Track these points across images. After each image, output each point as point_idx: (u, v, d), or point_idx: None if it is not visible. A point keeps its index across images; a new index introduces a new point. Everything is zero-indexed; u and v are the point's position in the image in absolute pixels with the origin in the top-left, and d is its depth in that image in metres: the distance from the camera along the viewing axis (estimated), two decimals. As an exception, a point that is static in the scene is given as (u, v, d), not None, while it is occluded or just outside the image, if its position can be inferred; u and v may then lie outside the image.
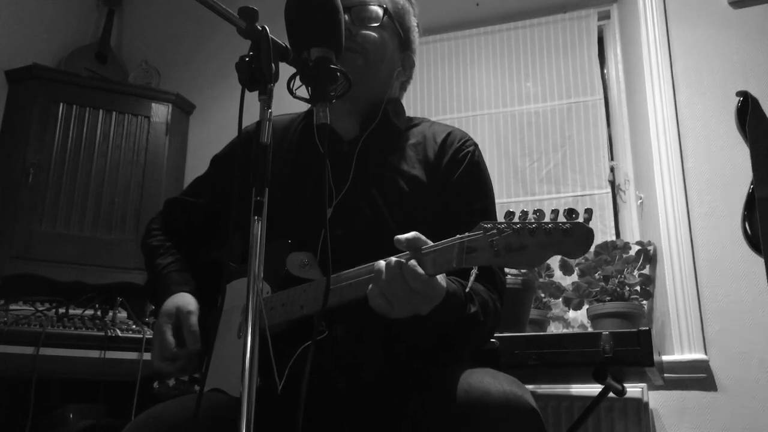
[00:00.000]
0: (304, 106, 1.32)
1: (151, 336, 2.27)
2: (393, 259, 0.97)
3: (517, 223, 0.85)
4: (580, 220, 0.82)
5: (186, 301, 1.23)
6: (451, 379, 1.00)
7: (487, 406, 0.94)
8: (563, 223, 0.82)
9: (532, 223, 0.84)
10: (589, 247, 0.82)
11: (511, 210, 0.88)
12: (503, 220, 0.87)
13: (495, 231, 0.87)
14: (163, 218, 1.48)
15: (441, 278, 0.99)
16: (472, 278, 0.96)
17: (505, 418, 0.94)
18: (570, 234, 0.81)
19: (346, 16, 1.27)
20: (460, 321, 1.07)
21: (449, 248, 0.93)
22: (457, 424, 0.95)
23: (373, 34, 1.33)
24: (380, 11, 1.35)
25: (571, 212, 0.82)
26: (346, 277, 1.05)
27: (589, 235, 0.81)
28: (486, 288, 1.17)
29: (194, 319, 1.20)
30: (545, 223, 0.83)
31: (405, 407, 1.05)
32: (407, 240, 0.97)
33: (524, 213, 0.86)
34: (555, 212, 0.84)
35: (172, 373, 1.21)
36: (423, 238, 0.98)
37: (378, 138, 1.32)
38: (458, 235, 0.93)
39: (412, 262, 0.95)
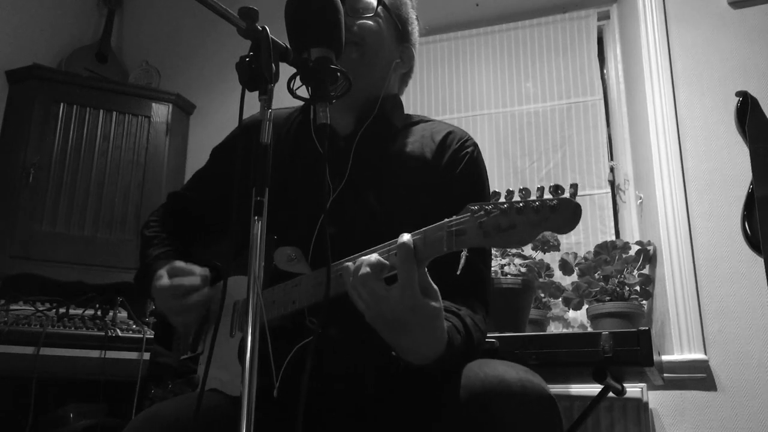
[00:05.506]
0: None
1: (151, 336, 2.28)
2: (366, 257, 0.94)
3: (504, 203, 0.84)
4: (566, 195, 0.81)
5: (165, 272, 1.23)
6: (464, 369, 0.99)
7: (504, 395, 0.93)
8: (550, 200, 0.81)
9: (519, 201, 0.83)
10: (578, 222, 0.81)
11: (496, 191, 0.87)
12: (490, 201, 0.86)
13: (483, 212, 0.85)
14: (165, 210, 1.48)
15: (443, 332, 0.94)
16: (462, 261, 0.94)
17: (523, 406, 0.93)
18: (557, 210, 0.80)
19: None
20: (450, 361, 1.02)
21: (437, 232, 0.91)
22: (474, 412, 0.93)
23: (369, 23, 1.31)
24: (374, 1, 1.33)
25: (557, 188, 0.81)
26: (338, 270, 1.02)
27: (577, 209, 0.80)
28: (469, 311, 1.11)
29: (179, 262, 1.22)
30: (532, 201, 0.82)
31: (412, 403, 1.04)
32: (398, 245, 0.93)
33: (510, 192, 0.85)
34: (540, 189, 0.83)
35: (191, 307, 1.18)
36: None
37: (375, 135, 1.30)
38: (446, 219, 0.90)
39: (375, 255, 0.93)
